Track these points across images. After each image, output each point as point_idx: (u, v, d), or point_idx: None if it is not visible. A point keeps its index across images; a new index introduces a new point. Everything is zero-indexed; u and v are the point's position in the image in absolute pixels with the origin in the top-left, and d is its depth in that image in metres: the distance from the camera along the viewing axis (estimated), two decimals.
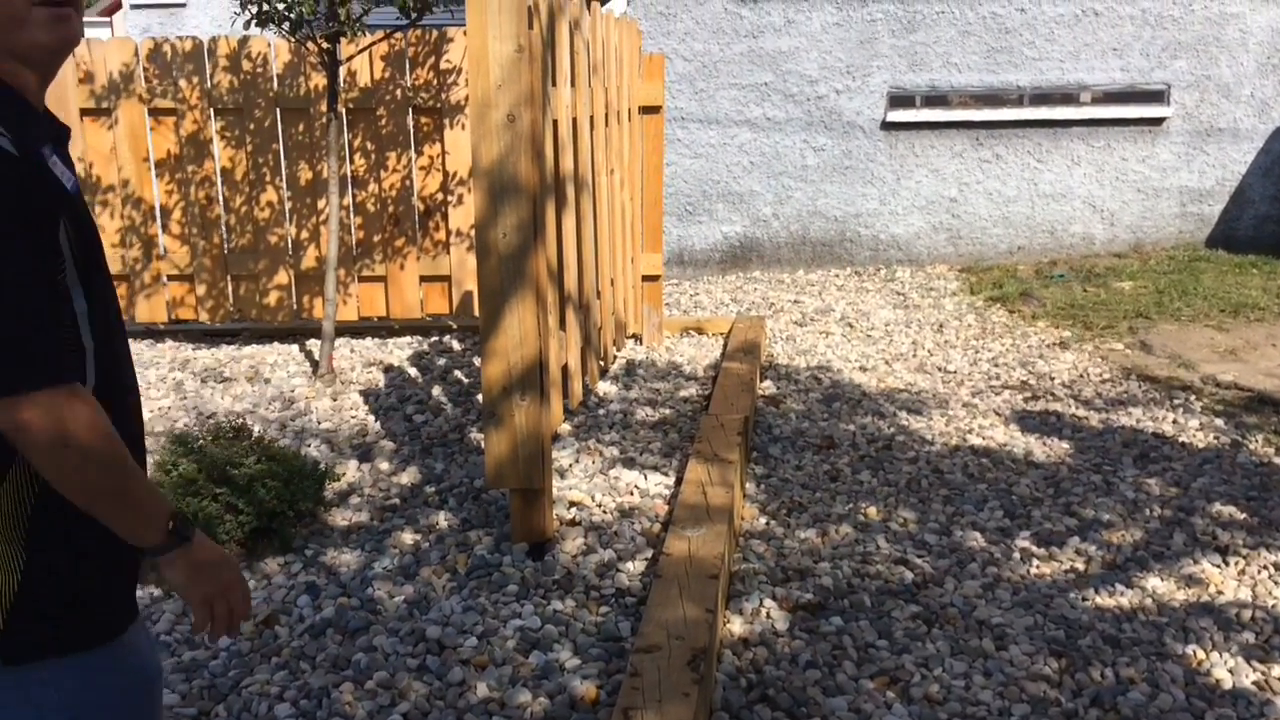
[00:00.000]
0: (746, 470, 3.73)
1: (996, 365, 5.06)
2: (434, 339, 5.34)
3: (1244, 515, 3.39)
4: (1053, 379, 4.82)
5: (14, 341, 1.12)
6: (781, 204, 7.54)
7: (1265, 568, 3.04)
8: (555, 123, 3.76)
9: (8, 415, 1.13)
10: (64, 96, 5.40)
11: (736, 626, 2.73)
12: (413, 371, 4.77)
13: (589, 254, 4.32)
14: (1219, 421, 4.22)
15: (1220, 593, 2.92)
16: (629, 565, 2.98)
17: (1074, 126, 7.39)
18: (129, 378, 1.38)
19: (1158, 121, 7.39)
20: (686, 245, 7.62)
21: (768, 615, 2.79)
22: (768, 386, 4.75)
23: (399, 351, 5.11)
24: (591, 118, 4.37)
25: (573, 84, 4.04)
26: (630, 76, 5.14)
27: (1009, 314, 6.02)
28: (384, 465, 3.70)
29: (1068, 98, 7.39)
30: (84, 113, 5.47)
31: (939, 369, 5.03)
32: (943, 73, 7.36)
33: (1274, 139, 7.39)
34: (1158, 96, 7.38)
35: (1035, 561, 3.11)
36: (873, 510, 3.45)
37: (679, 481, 3.48)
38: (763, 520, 3.37)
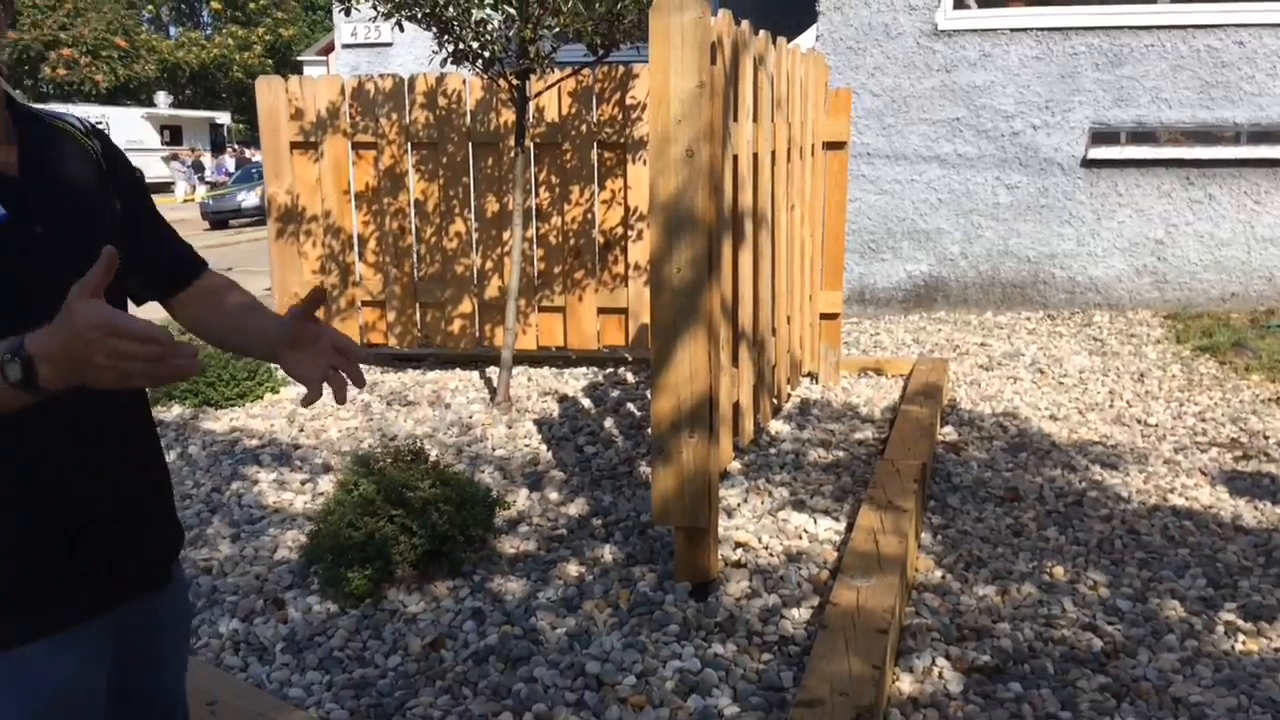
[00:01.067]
0: (922, 519, 3.57)
1: (1203, 420, 4.69)
2: (609, 370, 5.38)
3: None
4: (1267, 438, 4.44)
5: None
6: (970, 243, 7.27)
7: None
8: (735, 158, 3.73)
9: None
10: (277, 131, 5.74)
11: (906, 685, 2.60)
12: (586, 402, 4.81)
13: (765, 290, 4.25)
14: None
15: None
16: (794, 612, 2.88)
17: None
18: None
19: None
20: (868, 283, 7.44)
21: (940, 675, 2.64)
22: (949, 432, 4.55)
23: (574, 382, 5.16)
24: (773, 153, 4.32)
25: (754, 119, 4.00)
26: (815, 111, 5.07)
27: (1219, 365, 5.60)
28: (553, 495, 3.72)
29: None
30: (293, 146, 5.80)
31: (1138, 421, 4.70)
32: (1151, 108, 6.96)
33: None
34: None
35: (1241, 637, 2.84)
36: (1059, 570, 3.23)
37: (850, 528, 3.36)
38: (938, 573, 3.21)
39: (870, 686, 2.35)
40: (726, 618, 2.84)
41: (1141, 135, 7.00)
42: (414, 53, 8.79)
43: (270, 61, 44.59)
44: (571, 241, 5.59)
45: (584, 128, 5.53)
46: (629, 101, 5.48)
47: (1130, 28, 6.93)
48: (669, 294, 3.01)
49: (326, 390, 1.36)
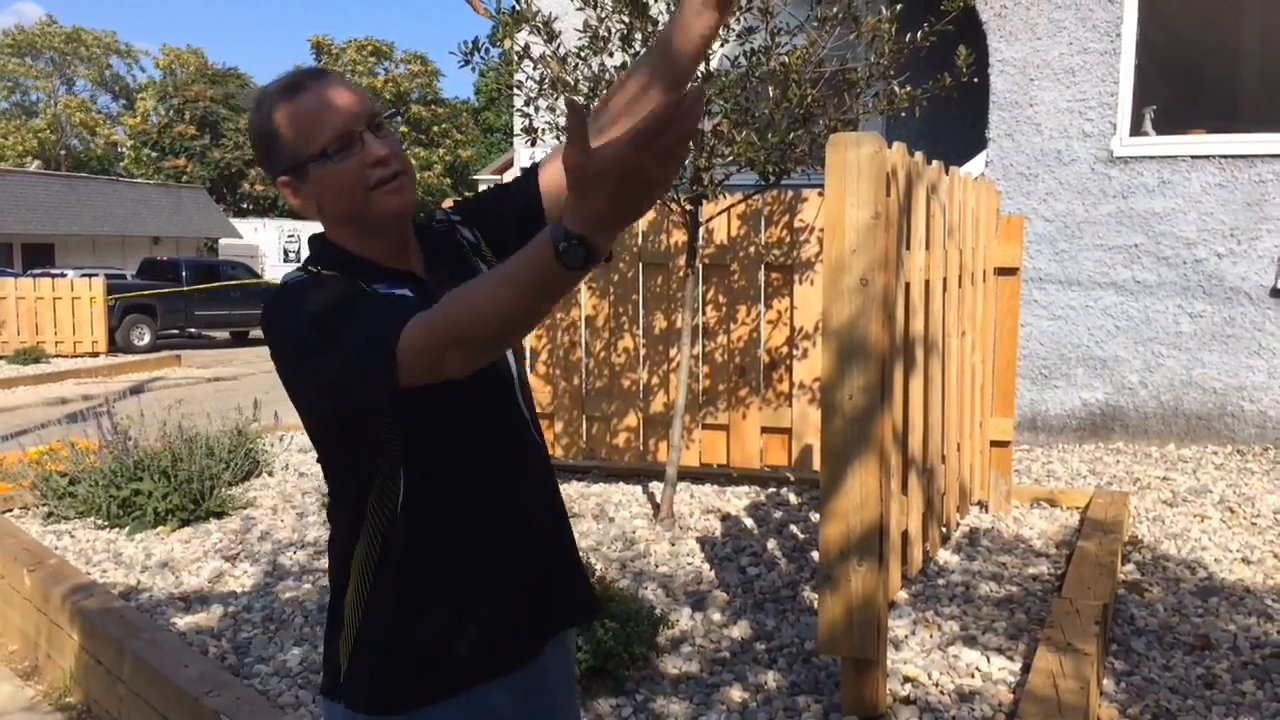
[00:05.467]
0: (1104, 664, 3.39)
1: None
2: (771, 490, 5.36)
3: None
4: None
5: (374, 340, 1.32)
6: (1150, 371, 7.00)
7: None
8: (907, 285, 3.74)
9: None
10: None
11: None
12: (749, 522, 4.79)
13: (935, 417, 4.20)
14: None
15: None
16: None
17: None
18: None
19: None
20: (1040, 410, 7.22)
21: None
22: (1130, 571, 4.33)
23: (736, 500, 5.16)
24: (945, 280, 4.31)
25: (927, 247, 4.01)
26: (986, 237, 5.04)
27: None
28: (716, 616, 3.70)
29: None
30: None
31: None
32: None
33: None
34: None
35: None
36: None
37: (1026, 669, 3.22)
38: None
39: None
40: None
41: None
42: None
43: (449, 180, 47.10)
44: (737, 360, 5.65)
45: (752, 249, 5.64)
46: (797, 224, 5.57)
47: None
48: (841, 420, 3.02)
49: None
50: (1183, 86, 7.45)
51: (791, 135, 4.67)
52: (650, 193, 1.11)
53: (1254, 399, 6.80)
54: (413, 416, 1.43)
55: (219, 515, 5.36)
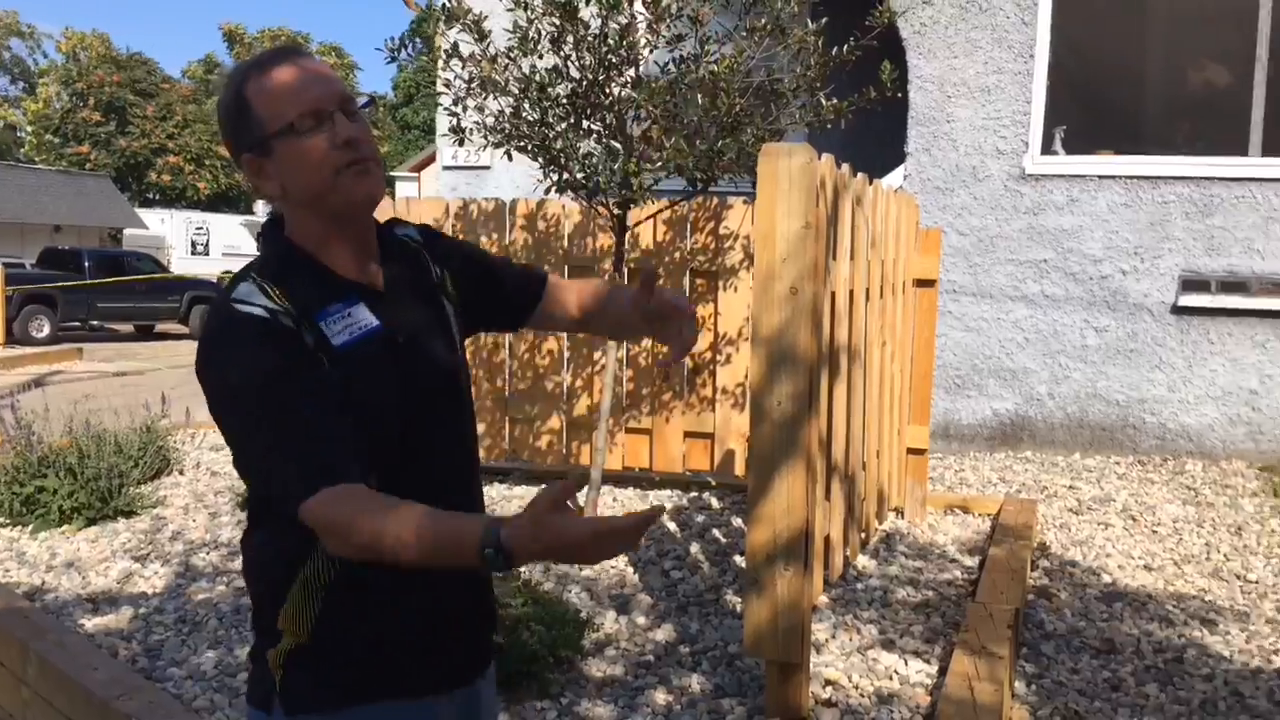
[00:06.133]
0: (1015, 667, 3.50)
1: None
2: (693, 494, 5.40)
3: None
4: None
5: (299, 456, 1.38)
6: (1058, 383, 7.22)
7: None
8: (833, 294, 3.81)
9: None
10: None
11: None
12: (672, 526, 4.82)
13: (857, 424, 4.28)
14: None
15: None
16: None
17: None
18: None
19: None
20: (953, 419, 7.40)
21: None
22: (1039, 577, 4.47)
23: (659, 504, 5.19)
24: (868, 290, 4.40)
25: (851, 257, 4.09)
26: (906, 249, 5.16)
27: None
28: (640, 619, 3.72)
29: None
30: None
31: (1237, 577, 4.57)
32: (1243, 258, 6.94)
33: None
34: None
35: None
36: None
37: (943, 671, 3.30)
38: None
39: None
40: None
41: (1233, 285, 6.96)
42: (511, 176, 9.13)
43: None
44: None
45: (678, 255, 5.68)
46: (722, 231, 5.63)
47: (1221, 179, 6.97)
48: (769, 426, 3.06)
49: None
50: (1092, 108, 7.72)
51: (720, 143, 4.72)
52: (586, 562, 1.28)
53: (1155, 411, 7.06)
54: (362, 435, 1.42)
55: (128, 514, 5.20)
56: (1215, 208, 6.97)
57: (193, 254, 35.02)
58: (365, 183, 1.49)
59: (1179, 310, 7.01)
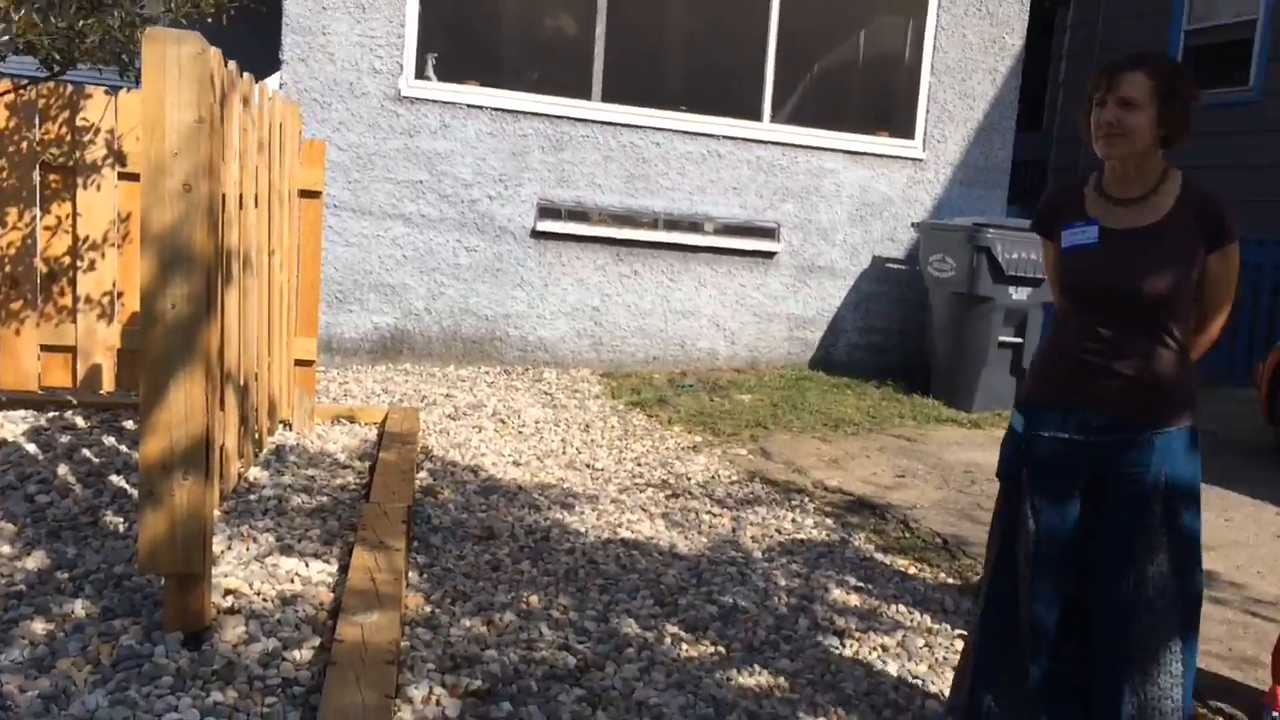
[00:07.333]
0: (410, 559, 3.71)
1: (639, 465, 5.38)
2: (53, 414, 4.84)
3: (856, 602, 3.84)
4: (689, 479, 5.21)
5: None
6: (434, 299, 7.61)
7: (874, 649, 3.46)
8: (224, 197, 3.64)
9: None
10: None
11: (407, 715, 2.70)
12: (31, 448, 4.29)
13: (250, 333, 4.16)
14: (829, 521, 4.75)
15: (839, 670, 3.28)
16: (295, 654, 2.86)
17: (701, 252, 8.12)
18: None
19: (769, 255, 8.29)
20: (336, 333, 7.46)
21: (438, 702, 2.79)
22: (424, 477, 4.75)
23: (12, 426, 4.57)
24: (256, 196, 4.27)
25: (240, 160, 3.94)
26: (292, 159, 5.07)
27: (648, 418, 6.43)
28: (5, 549, 3.29)
29: (695, 226, 8.12)
30: None
31: (588, 466, 5.27)
32: (588, 191, 7.85)
33: (861, 279, 8.52)
34: (769, 233, 8.29)
35: (684, 645, 3.34)
36: (534, 599, 3.55)
37: (343, 569, 3.40)
38: (427, 608, 3.36)
39: (386, 715, 2.43)
40: (225, 665, 2.74)
41: (579, 214, 7.86)
42: None
43: None
44: (7, 269, 4.96)
45: (24, 145, 4.98)
46: (80, 123, 5.03)
47: (569, 118, 7.79)
48: (163, 329, 2.87)
49: None
50: (462, 40, 8.14)
51: (82, 23, 4.22)
52: None
53: (517, 325, 7.77)
54: None
55: None
56: (565, 144, 7.78)
57: None
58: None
59: (537, 235, 7.75)
